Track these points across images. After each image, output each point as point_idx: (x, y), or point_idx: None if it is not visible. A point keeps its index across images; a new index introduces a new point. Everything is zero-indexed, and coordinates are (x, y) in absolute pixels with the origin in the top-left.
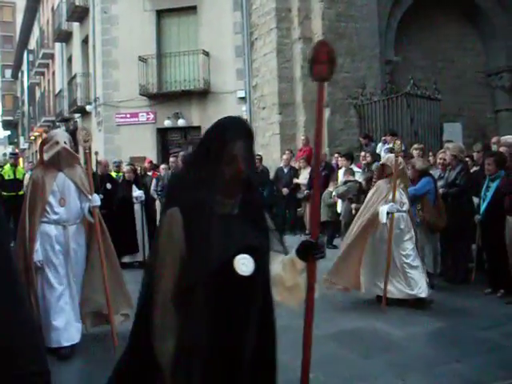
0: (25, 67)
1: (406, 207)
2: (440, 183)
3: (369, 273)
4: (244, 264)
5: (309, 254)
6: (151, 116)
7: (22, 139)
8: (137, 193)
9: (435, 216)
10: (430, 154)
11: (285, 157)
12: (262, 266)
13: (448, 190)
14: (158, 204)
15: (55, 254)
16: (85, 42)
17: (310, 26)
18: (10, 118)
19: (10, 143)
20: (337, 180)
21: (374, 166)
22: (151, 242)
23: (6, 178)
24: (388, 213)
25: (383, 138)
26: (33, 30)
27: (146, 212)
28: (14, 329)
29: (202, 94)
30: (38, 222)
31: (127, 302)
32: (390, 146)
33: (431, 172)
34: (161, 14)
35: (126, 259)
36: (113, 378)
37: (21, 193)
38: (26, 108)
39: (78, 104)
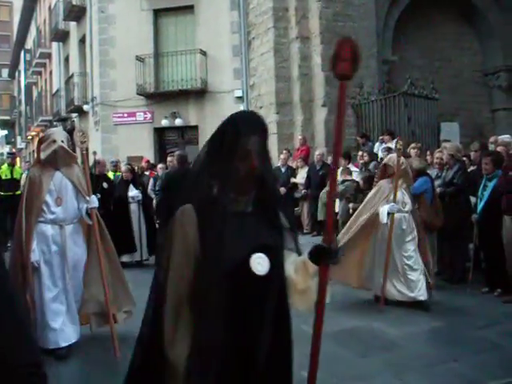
0: (22, 67)
1: (408, 207)
2: (437, 182)
3: (371, 273)
4: (260, 263)
5: (321, 258)
6: (148, 115)
7: (19, 139)
8: (133, 192)
9: (432, 215)
10: (428, 153)
11: (282, 156)
12: (276, 264)
13: (445, 189)
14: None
15: (51, 255)
16: (82, 41)
17: (307, 26)
18: (7, 117)
19: (7, 143)
20: None
21: (372, 165)
22: (149, 242)
23: (4, 177)
24: (388, 213)
25: (381, 137)
26: (30, 29)
27: (144, 212)
28: (5, 325)
29: (199, 94)
30: (35, 221)
31: (129, 299)
32: (388, 145)
33: (428, 171)
34: (158, 13)
35: (124, 259)
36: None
37: (18, 192)
38: (23, 107)
39: (75, 103)
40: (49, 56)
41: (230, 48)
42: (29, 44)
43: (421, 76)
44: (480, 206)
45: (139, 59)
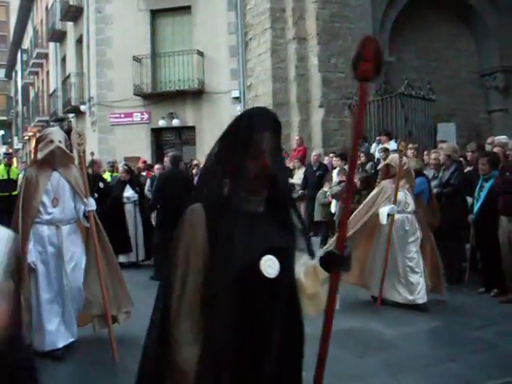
0: (19, 67)
1: (411, 208)
2: (434, 183)
3: (371, 273)
4: (270, 266)
5: (333, 265)
6: (145, 116)
7: (15, 139)
8: (128, 193)
9: (429, 216)
10: (426, 152)
11: None
12: (287, 266)
13: (442, 189)
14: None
15: (48, 256)
16: (79, 41)
17: (304, 27)
18: (4, 117)
19: (4, 143)
20: (331, 180)
21: (369, 165)
22: (146, 243)
23: (0, 178)
24: (388, 214)
25: (378, 138)
26: (27, 29)
27: (141, 212)
28: None
29: (196, 94)
30: (31, 222)
31: (128, 300)
32: (385, 145)
33: (425, 172)
34: (155, 13)
35: (121, 259)
36: None
37: (15, 193)
38: (19, 108)
39: (72, 104)
40: (46, 56)
41: (227, 49)
42: (26, 44)
43: (417, 77)
44: (476, 207)
45: (136, 59)
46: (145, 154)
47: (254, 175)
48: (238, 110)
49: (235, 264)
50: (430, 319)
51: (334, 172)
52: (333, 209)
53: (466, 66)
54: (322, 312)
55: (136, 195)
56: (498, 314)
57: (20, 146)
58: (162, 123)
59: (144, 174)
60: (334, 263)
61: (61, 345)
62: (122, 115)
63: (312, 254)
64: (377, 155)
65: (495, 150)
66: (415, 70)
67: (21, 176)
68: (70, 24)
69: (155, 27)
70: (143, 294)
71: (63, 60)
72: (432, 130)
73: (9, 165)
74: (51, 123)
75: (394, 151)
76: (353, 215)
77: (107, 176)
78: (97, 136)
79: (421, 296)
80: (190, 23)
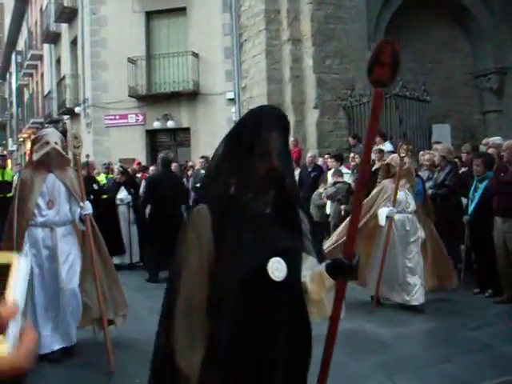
0: (13, 68)
1: (411, 208)
2: (429, 184)
3: (370, 272)
4: (277, 269)
5: (339, 273)
6: (140, 118)
7: (10, 141)
8: (121, 194)
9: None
10: (422, 153)
11: None
12: (294, 268)
13: (437, 190)
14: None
15: (42, 260)
16: (73, 43)
17: (298, 28)
18: None
19: None
20: (326, 181)
21: None
22: (141, 244)
23: None
24: (387, 216)
25: None
26: (21, 30)
27: (135, 214)
28: None
29: (191, 96)
30: (26, 224)
31: (125, 303)
32: (380, 147)
33: (419, 173)
34: (150, 15)
35: (115, 261)
36: None
37: (10, 195)
38: (14, 109)
39: (67, 105)
40: (40, 58)
41: (221, 50)
42: (20, 46)
43: (412, 78)
44: (471, 208)
45: (131, 61)
46: (140, 155)
47: (261, 176)
48: (233, 111)
49: (242, 266)
50: (425, 320)
51: (329, 173)
52: (328, 210)
53: (460, 68)
54: (327, 317)
55: (129, 197)
56: (492, 315)
57: (15, 147)
58: (156, 125)
59: (139, 175)
60: (341, 271)
61: (56, 347)
62: (117, 117)
63: (322, 257)
64: (372, 156)
65: (490, 151)
66: (410, 71)
67: (15, 178)
68: (64, 25)
69: (150, 29)
70: (138, 295)
71: (58, 62)
72: (427, 131)
73: (3, 167)
74: (46, 125)
75: (389, 152)
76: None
77: (102, 178)
78: (91, 138)
79: (417, 297)
80: (185, 25)
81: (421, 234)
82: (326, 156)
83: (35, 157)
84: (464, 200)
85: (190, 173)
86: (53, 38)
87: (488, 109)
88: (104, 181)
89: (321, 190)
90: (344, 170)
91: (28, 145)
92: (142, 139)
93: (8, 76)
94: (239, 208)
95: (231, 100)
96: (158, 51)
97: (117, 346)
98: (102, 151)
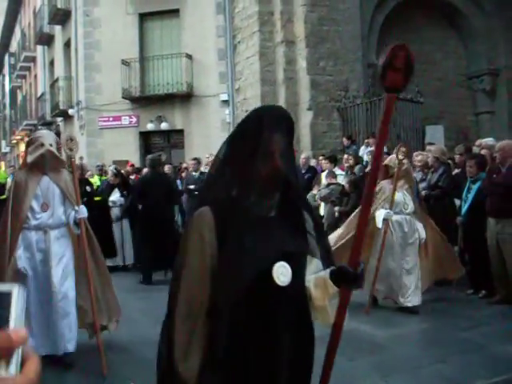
0: (6, 70)
1: (410, 209)
2: (422, 185)
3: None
4: (283, 273)
5: (344, 282)
6: (134, 119)
7: (3, 143)
8: (114, 196)
9: None
10: (415, 154)
11: None
12: (298, 272)
13: (430, 191)
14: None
15: (36, 264)
16: (67, 45)
17: (292, 30)
18: None
19: None
20: (320, 183)
21: (357, 168)
22: (134, 246)
23: None
24: (384, 219)
25: (366, 140)
26: (14, 32)
27: (129, 216)
28: None
29: (184, 98)
30: (20, 227)
31: (118, 308)
32: (373, 148)
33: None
34: (144, 17)
35: (107, 263)
36: None
37: (3, 197)
38: (7, 111)
39: (61, 107)
40: (33, 59)
41: (215, 52)
42: (13, 47)
43: None
44: (464, 209)
45: (125, 63)
46: (133, 157)
47: (264, 178)
48: (227, 113)
49: (246, 271)
50: (419, 321)
51: (323, 175)
52: (322, 212)
53: (453, 69)
54: (330, 327)
55: (122, 199)
56: (486, 316)
57: (8, 149)
58: (150, 127)
59: (132, 177)
60: (345, 280)
61: (43, 353)
62: (111, 119)
63: (330, 260)
64: (365, 158)
65: (482, 152)
66: None
67: (9, 180)
68: (57, 27)
69: (144, 31)
70: (131, 297)
71: (51, 63)
72: (420, 132)
73: None
74: (39, 127)
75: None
76: (352, 216)
77: (96, 179)
78: (85, 140)
79: (411, 299)
80: (179, 26)
81: (420, 235)
82: (320, 157)
83: (29, 159)
84: (457, 201)
85: (183, 174)
86: (46, 40)
87: (481, 110)
88: (98, 183)
89: (314, 191)
90: (338, 171)
91: (21, 147)
92: (136, 141)
93: (1, 78)
94: (241, 211)
95: (225, 102)
96: (152, 53)
97: (110, 348)
98: (95, 153)
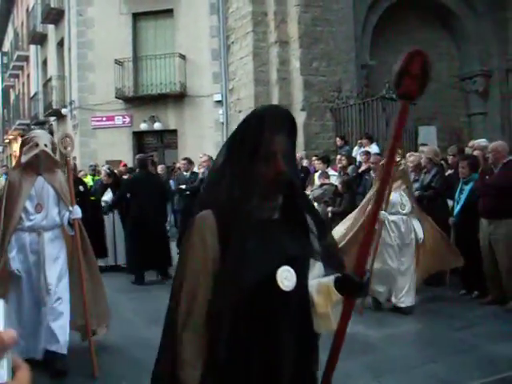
0: None
1: (407, 209)
2: (415, 186)
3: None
4: (287, 278)
5: (348, 290)
6: (127, 119)
7: None
8: (106, 196)
9: None
10: (408, 155)
11: None
12: (302, 276)
13: (423, 192)
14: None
15: (29, 266)
16: (60, 44)
17: (286, 30)
18: None
19: None
20: (313, 183)
21: (350, 169)
22: (127, 247)
23: None
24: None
25: (359, 141)
26: (7, 31)
27: (120, 216)
28: None
29: (178, 98)
30: (13, 228)
31: (108, 313)
32: (366, 149)
33: None
34: (137, 17)
35: (99, 262)
36: None
37: None
38: (0, 111)
39: (54, 107)
40: (26, 59)
41: (209, 52)
42: (6, 46)
43: None
44: (457, 210)
45: (118, 63)
46: (126, 157)
47: (267, 179)
48: (220, 113)
49: (249, 276)
50: (412, 321)
51: (316, 175)
52: None
53: (446, 70)
54: (332, 334)
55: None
56: (478, 316)
57: (0, 149)
58: (143, 126)
59: (125, 177)
60: (350, 288)
61: (36, 357)
62: (104, 118)
63: (340, 265)
64: (358, 158)
65: (475, 153)
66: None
67: (1, 180)
68: (51, 27)
69: (137, 30)
70: (122, 297)
71: (44, 63)
72: (413, 133)
73: None
74: (32, 126)
75: (376, 154)
76: (350, 217)
77: (89, 179)
78: (78, 139)
79: (403, 300)
80: (172, 26)
81: (418, 235)
82: (313, 158)
83: (24, 159)
84: (450, 202)
85: (176, 174)
86: (39, 39)
87: (473, 111)
88: (91, 183)
89: (307, 192)
90: (331, 171)
91: (14, 146)
92: (129, 141)
93: None
94: (243, 214)
95: (218, 102)
96: (145, 53)
97: (101, 348)
98: (88, 153)
